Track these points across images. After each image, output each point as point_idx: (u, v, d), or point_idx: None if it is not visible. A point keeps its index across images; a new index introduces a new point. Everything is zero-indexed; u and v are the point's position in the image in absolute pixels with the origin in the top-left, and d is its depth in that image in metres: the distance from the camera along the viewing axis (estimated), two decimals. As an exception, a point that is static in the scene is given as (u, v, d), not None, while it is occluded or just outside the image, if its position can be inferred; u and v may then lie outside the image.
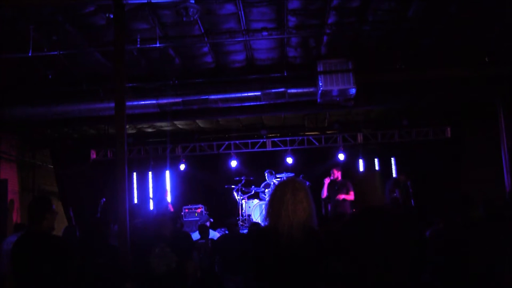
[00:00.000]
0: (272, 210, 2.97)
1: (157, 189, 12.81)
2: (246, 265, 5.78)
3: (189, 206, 11.42)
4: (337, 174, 9.76)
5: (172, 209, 10.12)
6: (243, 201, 11.52)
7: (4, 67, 7.80)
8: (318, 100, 8.75)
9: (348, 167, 11.78)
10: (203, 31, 7.22)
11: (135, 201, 12.82)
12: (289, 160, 12.06)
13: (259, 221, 9.74)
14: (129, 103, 7.65)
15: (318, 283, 2.89)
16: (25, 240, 3.60)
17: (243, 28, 7.21)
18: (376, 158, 12.62)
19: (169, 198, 12.56)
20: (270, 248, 2.89)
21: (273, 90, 8.69)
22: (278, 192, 2.99)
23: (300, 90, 8.74)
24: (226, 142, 12.39)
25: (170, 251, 4.16)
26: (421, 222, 6.66)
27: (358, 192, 3.08)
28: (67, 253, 3.55)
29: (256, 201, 11.41)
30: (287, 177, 11.14)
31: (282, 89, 8.68)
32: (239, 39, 7.50)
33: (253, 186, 11.64)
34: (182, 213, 11.16)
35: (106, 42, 7.29)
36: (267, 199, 6.05)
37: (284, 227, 2.85)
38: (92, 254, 4.46)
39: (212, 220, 9.54)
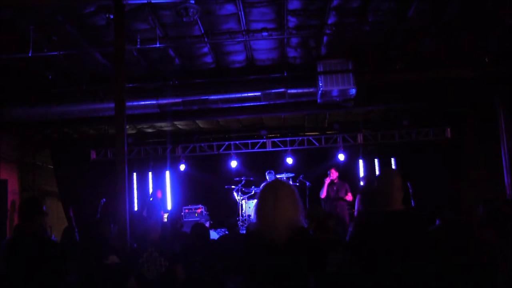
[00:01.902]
0: (256, 212, 2.99)
1: (155, 190, 12.77)
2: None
3: (189, 207, 11.40)
4: (335, 174, 9.76)
5: (162, 213, 10.02)
6: (243, 201, 11.51)
7: (4, 67, 7.80)
8: (318, 101, 8.75)
9: (348, 168, 11.80)
10: (203, 31, 7.21)
11: (135, 201, 12.81)
12: (289, 160, 12.04)
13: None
14: (129, 103, 7.64)
15: (309, 281, 2.88)
16: (14, 241, 3.62)
17: (243, 29, 7.21)
18: (376, 158, 12.60)
19: (168, 201, 12.54)
20: (257, 249, 2.89)
21: (273, 91, 8.69)
22: (261, 194, 3.02)
23: (300, 91, 8.74)
24: (226, 143, 12.38)
25: (158, 255, 4.10)
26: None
27: (378, 192, 3.09)
28: (56, 254, 3.54)
29: (256, 201, 11.36)
30: (286, 177, 11.12)
31: (282, 90, 8.68)
32: (239, 40, 7.50)
33: (253, 187, 11.63)
34: (182, 214, 11.15)
35: (106, 42, 7.29)
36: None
37: (268, 228, 2.84)
38: (93, 254, 4.46)
39: (207, 224, 9.50)
